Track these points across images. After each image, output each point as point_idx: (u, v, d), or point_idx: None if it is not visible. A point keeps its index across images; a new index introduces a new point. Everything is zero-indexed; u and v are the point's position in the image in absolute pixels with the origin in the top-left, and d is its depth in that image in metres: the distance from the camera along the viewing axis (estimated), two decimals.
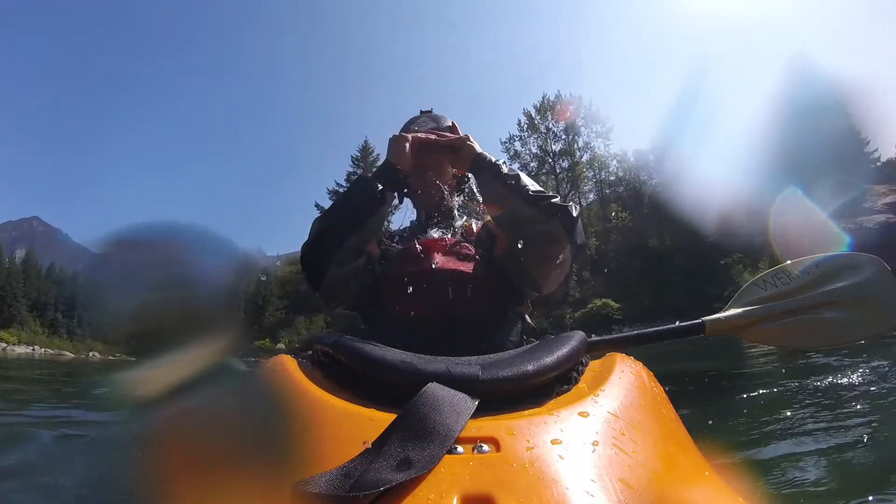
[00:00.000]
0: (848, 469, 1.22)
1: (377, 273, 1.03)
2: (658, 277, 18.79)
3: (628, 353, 0.77)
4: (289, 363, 0.66)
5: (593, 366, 0.71)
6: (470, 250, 1.01)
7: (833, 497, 1.04)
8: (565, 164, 27.27)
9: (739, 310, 0.96)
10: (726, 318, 0.96)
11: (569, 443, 0.45)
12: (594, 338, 0.87)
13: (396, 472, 0.39)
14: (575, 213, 0.92)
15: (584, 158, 27.15)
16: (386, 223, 1.13)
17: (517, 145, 27.56)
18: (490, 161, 0.98)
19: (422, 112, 1.18)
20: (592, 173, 27.54)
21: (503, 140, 27.57)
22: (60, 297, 48.34)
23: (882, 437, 1.47)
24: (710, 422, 1.94)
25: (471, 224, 1.11)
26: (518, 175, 0.95)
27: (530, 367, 0.57)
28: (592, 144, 26.96)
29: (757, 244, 18.73)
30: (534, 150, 27.57)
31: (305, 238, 0.97)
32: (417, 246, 1.00)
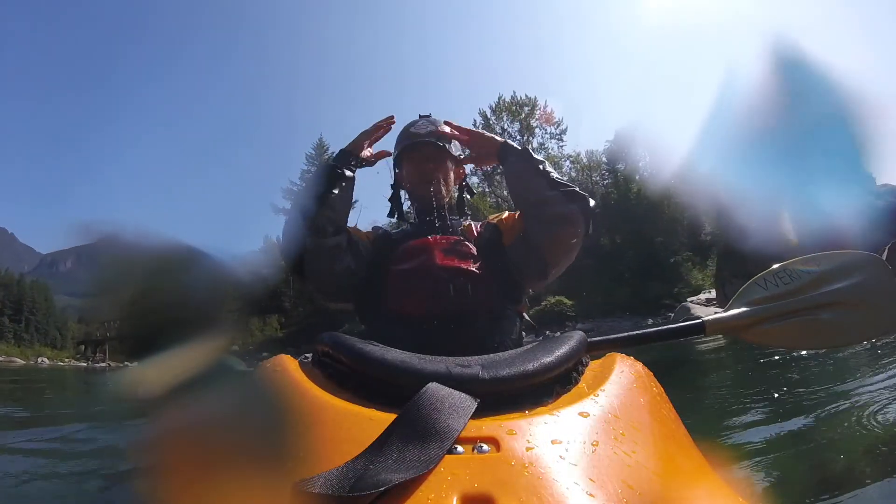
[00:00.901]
0: (849, 469, 1.22)
1: (370, 263, 1.05)
2: (610, 275, 19.21)
3: (628, 353, 0.77)
4: (289, 363, 0.66)
5: (593, 366, 0.71)
6: (470, 249, 1.01)
7: (833, 496, 1.04)
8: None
9: (740, 310, 0.96)
10: (726, 318, 0.96)
11: (569, 443, 0.45)
12: (594, 338, 0.87)
13: (396, 472, 0.39)
14: (592, 204, 0.97)
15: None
16: (390, 225, 1.15)
17: None
18: (517, 147, 1.04)
19: (420, 116, 1.19)
20: None
21: None
22: (7, 300, 46.21)
23: (883, 437, 1.47)
24: (710, 422, 1.94)
25: (470, 224, 1.12)
26: (544, 161, 1.01)
27: (530, 367, 0.57)
28: (547, 146, 26.91)
29: (706, 243, 19.92)
30: None
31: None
32: (419, 243, 1.01)
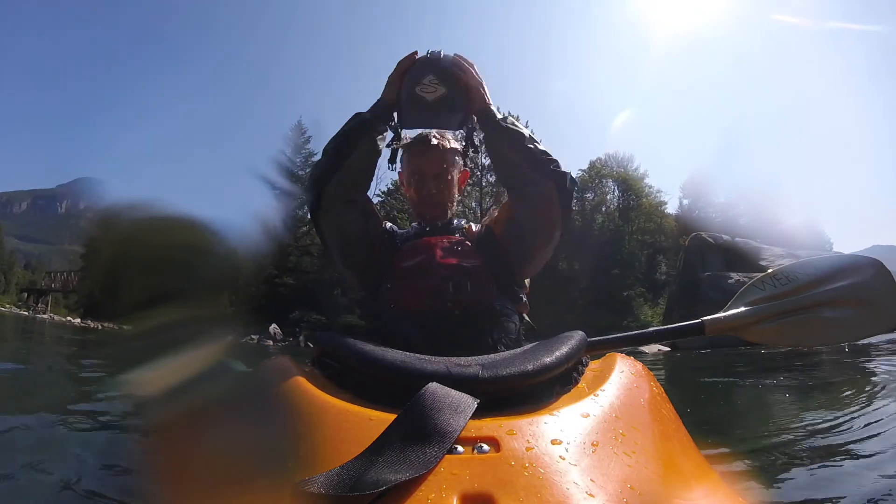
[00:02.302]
0: (848, 468, 1.22)
1: (374, 257, 1.06)
2: (563, 299, 19.79)
3: (628, 354, 0.77)
4: (289, 364, 0.66)
5: (593, 366, 0.71)
6: (470, 248, 1.03)
7: (833, 496, 1.04)
8: (492, 178, 27.00)
9: (739, 309, 0.96)
10: (726, 317, 0.96)
11: (569, 443, 0.45)
12: (594, 338, 0.87)
13: (396, 472, 0.39)
14: (568, 180, 0.96)
15: None
16: (389, 227, 1.14)
17: None
18: (495, 114, 0.99)
19: (429, 56, 1.03)
20: None
21: None
22: None
23: (884, 436, 1.47)
24: (709, 423, 1.94)
25: (470, 226, 1.13)
26: (522, 134, 0.97)
27: (530, 367, 0.57)
28: None
29: (660, 281, 21.14)
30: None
31: None
32: (420, 242, 1.02)
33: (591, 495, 0.39)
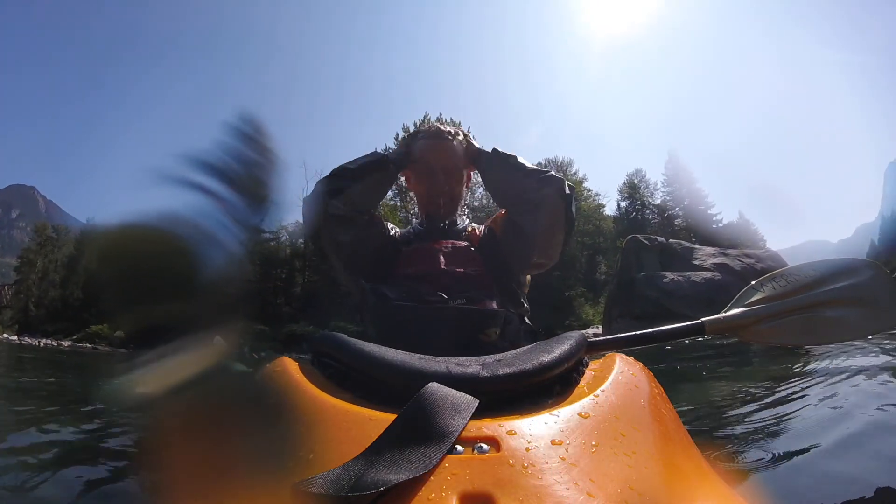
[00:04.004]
0: (849, 467, 1.22)
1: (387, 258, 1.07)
2: None
3: (628, 354, 0.77)
4: (289, 364, 0.66)
5: (593, 366, 0.71)
6: (473, 254, 1.03)
7: (834, 495, 1.04)
8: None
9: (739, 310, 0.97)
10: (726, 318, 0.96)
11: (569, 443, 0.45)
12: (594, 338, 0.88)
13: (396, 473, 0.39)
14: (567, 190, 0.99)
15: None
16: (391, 229, 1.15)
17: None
18: (487, 151, 1.08)
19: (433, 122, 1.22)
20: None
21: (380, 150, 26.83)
22: None
23: (884, 436, 1.47)
24: (709, 423, 1.94)
25: (474, 228, 1.13)
26: (515, 155, 1.03)
27: (530, 367, 0.57)
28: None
29: (600, 281, 22.04)
30: None
31: None
32: (423, 248, 1.02)
33: (591, 495, 0.39)
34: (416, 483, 0.39)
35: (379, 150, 1.18)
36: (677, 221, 26.66)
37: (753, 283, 1.01)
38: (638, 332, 0.94)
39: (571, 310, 20.99)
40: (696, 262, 8.99)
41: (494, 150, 1.07)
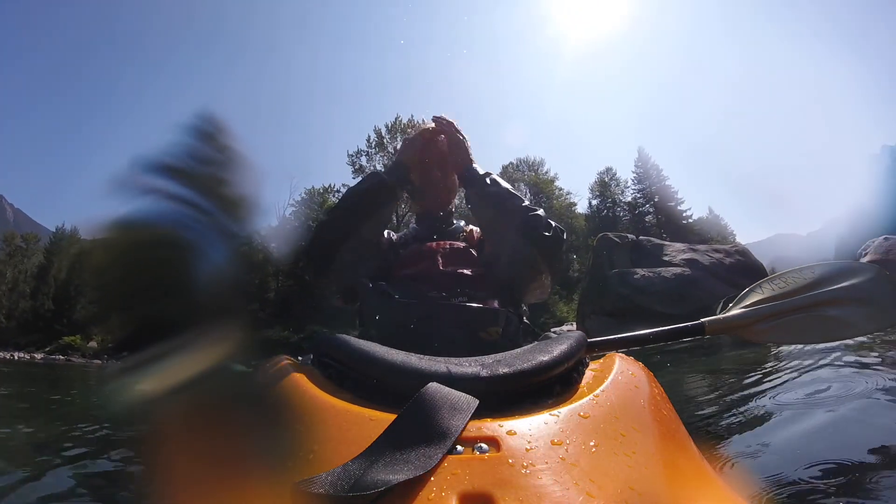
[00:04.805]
0: (849, 468, 1.22)
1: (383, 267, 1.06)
2: None
3: (628, 354, 0.77)
4: (289, 364, 0.66)
5: (593, 366, 0.71)
6: (471, 254, 1.02)
7: (834, 496, 1.04)
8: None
9: (740, 310, 0.97)
10: (726, 318, 0.96)
11: (569, 443, 0.45)
12: (594, 338, 0.88)
13: (396, 473, 0.39)
14: (554, 239, 0.97)
15: None
16: (390, 234, 1.15)
17: (363, 160, 26.65)
18: (478, 174, 1.04)
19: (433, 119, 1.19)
20: None
21: (351, 153, 26.71)
22: None
23: (885, 435, 1.47)
24: (709, 422, 1.94)
25: (472, 230, 1.13)
26: (508, 187, 1.01)
27: (530, 367, 0.57)
28: None
29: (573, 279, 22.14)
30: (378, 167, 26.65)
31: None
32: (421, 249, 1.02)
33: (591, 496, 0.39)
34: (416, 483, 0.39)
35: (362, 160, 1.14)
36: (648, 218, 26.86)
37: (753, 286, 1.02)
38: (638, 333, 0.94)
39: (546, 307, 20.72)
40: (666, 259, 8.96)
41: (486, 177, 1.03)
